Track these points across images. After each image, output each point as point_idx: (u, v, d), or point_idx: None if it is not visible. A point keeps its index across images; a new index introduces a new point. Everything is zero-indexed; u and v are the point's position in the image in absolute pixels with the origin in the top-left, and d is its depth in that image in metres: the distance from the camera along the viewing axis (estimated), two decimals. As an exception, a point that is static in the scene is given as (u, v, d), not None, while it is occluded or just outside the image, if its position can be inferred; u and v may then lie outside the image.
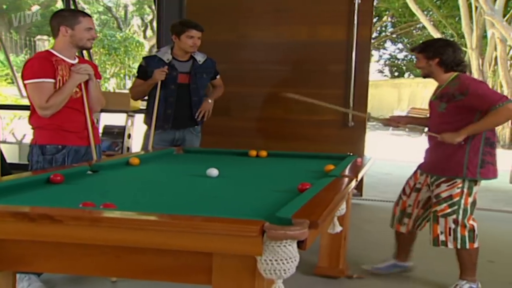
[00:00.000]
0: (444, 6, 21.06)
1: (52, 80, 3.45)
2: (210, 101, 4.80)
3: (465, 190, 3.53)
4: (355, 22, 5.83)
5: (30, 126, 3.66)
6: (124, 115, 6.59)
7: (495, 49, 16.35)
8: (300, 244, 1.76)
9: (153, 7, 28.29)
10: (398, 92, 23.13)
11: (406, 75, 29.00)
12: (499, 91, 16.55)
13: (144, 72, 4.64)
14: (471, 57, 17.10)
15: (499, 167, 3.65)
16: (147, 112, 4.79)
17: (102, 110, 6.76)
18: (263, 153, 4.07)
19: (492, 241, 5.00)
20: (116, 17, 28.62)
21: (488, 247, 4.72)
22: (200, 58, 4.70)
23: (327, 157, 3.96)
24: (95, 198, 2.30)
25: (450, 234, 3.53)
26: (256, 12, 6.12)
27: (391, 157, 11.09)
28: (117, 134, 6.48)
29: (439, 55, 3.57)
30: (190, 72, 4.63)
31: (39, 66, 3.44)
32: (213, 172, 2.98)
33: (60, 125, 3.53)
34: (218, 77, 4.95)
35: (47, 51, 3.64)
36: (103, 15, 28.45)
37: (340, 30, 5.93)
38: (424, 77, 3.78)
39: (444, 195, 3.56)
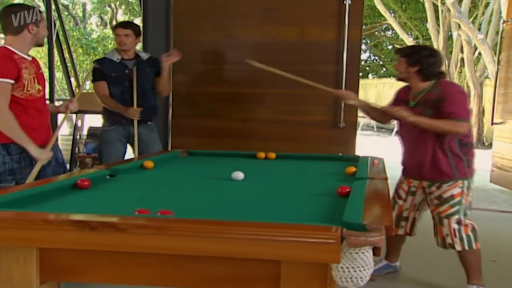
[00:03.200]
0: (409, 8, 21.33)
1: (12, 81, 3.28)
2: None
3: (465, 190, 3.54)
4: (346, 22, 5.78)
5: None
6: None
7: (461, 50, 16.64)
8: (375, 251, 1.72)
9: (113, 5, 28.01)
10: (364, 92, 23.36)
11: (370, 76, 29.29)
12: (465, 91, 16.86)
13: (101, 73, 4.73)
14: (438, 58, 17.37)
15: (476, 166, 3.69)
16: (104, 110, 4.83)
17: (86, 112, 6.62)
18: (272, 155, 4.01)
19: (490, 240, 5.05)
20: (74, 16, 28.11)
21: (488, 246, 4.77)
22: (143, 55, 4.89)
23: (338, 158, 3.96)
24: (134, 204, 2.23)
25: (456, 236, 3.51)
26: (244, 11, 6.01)
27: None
28: (93, 135, 6.34)
29: (419, 64, 3.57)
30: (136, 68, 4.75)
31: (2, 65, 3.27)
32: (239, 175, 2.91)
33: (23, 122, 3.34)
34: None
35: (5, 48, 3.40)
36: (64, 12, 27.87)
37: (330, 30, 5.87)
38: (399, 80, 3.79)
39: (446, 195, 3.54)
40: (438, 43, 17.20)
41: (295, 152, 4.44)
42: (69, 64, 7.70)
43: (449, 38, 17.60)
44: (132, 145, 4.79)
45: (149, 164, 3.33)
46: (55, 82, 7.15)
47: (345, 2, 5.75)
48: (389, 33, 26.62)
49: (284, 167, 3.64)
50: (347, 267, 1.67)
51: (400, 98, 3.86)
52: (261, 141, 5.86)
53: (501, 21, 8.37)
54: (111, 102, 4.68)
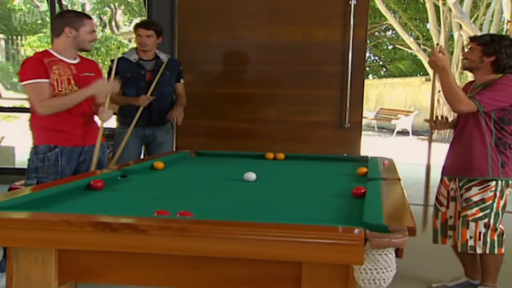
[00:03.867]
0: (409, 9, 21.33)
1: (46, 80, 3.44)
2: (182, 109, 4.78)
3: (498, 193, 3.40)
4: (351, 23, 5.77)
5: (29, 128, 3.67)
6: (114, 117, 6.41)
7: (462, 50, 16.63)
8: (397, 252, 1.71)
9: (112, 6, 27.99)
10: (365, 93, 23.21)
11: (370, 76, 29.27)
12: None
13: (115, 73, 4.53)
14: (439, 58, 17.38)
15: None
16: (120, 112, 4.81)
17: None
18: (281, 156, 4.00)
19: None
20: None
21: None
22: (163, 57, 4.78)
23: (347, 159, 3.95)
24: (150, 205, 2.23)
25: (479, 239, 3.41)
26: (250, 12, 5.99)
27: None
28: (107, 136, 6.30)
29: (497, 54, 3.32)
30: (153, 70, 4.68)
31: (31, 68, 3.46)
32: (251, 176, 2.90)
33: (52, 125, 3.52)
34: (181, 81, 4.96)
35: (45, 51, 3.63)
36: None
37: (336, 31, 5.85)
38: (465, 69, 3.58)
39: (475, 198, 3.41)
40: (439, 43, 17.20)
41: (300, 153, 4.41)
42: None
43: (450, 38, 17.61)
44: (147, 147, 4.77)
45: (159, 164, 3.31)
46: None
47: (350, 2, 5.72)
48: (389, 33, 26.62)
49: (294, 167, 3.62)
50: (369, 269, 1.66)
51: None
52: (267, 142, 5.86)
53: (505, 21, 8.38)
54: (121, 98, 4.62)
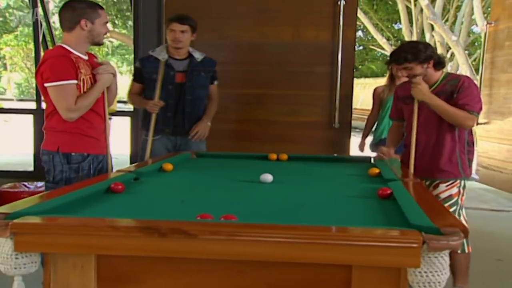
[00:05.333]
0: (380, 10, 21.55)
1: (76, 81, 3.17)
2: (208, 123, 4.49)
3: (461, 190, 3.53)
4: (340, 23, 5.78)
5: (44, 129, 3.36)
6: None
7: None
8: (450, 255, 1.70)
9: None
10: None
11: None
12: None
13: (139, 74, 4.37)
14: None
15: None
16: (144, 116, 4.41)
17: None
18: (284, 157, 3.96)
19: (492, 239, 5.10)
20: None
21: (491, 246, 4.83)
22: (198, 55, 4.41)
23: (350, 159, 3.96)
24: (179, 208, 2.21)
25: None
26: (239, 12, 5.96)
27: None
28: None
29: (431, 58, 3.47)
30: (187, 70, 4.32)
31: (61, 67, 3.14)
32: (268, 177, 2.86)
33: (85, 131, 3.30)
34: (215, 83, 4.62)
35: (61, 47, 3.27)
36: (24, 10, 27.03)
37: (325, 31, 5.86)
38: None
39: (443, 195, 3.51)
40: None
41: (289, 153, 4.34)
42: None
43: (421, 39, 17.86)
44: None
45: (168, 166, 3.24)
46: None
47: (339, 3, 5.74)
48: (358, 34, 26.88)
49: (302, 168, 3.56)
50: (425, 272, 1.64)
51: (401, 96, 3.75)
52: (257, 142, 5.84)
53: (485, 23, 8.50)
54: (136, 99, 4.38)
